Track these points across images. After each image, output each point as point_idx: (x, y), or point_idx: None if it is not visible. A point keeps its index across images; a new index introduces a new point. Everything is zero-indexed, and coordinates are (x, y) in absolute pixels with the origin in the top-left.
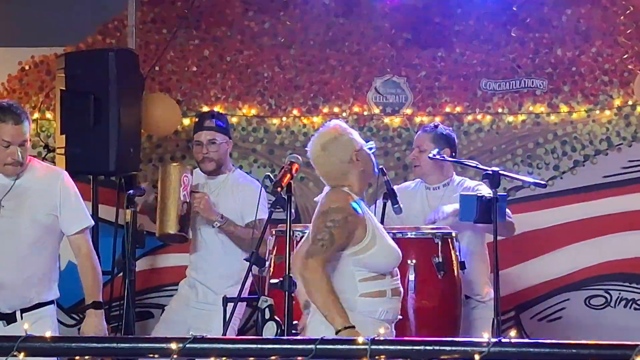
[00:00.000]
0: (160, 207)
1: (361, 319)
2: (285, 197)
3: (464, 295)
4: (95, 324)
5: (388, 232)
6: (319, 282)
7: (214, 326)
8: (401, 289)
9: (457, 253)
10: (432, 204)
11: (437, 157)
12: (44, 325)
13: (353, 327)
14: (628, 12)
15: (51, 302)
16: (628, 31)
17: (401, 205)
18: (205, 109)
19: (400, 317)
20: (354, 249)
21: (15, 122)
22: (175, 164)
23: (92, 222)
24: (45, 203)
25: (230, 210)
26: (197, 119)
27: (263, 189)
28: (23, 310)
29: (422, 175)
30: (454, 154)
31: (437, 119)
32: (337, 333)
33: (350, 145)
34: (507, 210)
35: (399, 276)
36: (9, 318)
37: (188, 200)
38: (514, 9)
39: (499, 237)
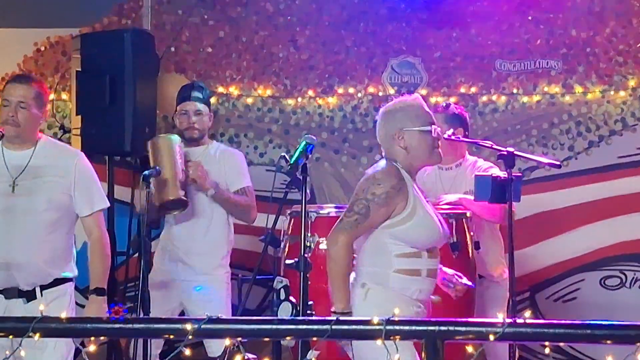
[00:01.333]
0: (158, 179)
1: (393, 295)
2: (301, 178)
3: (477, 275)
4: (96, 310)
5: None
6: (340, 260)
7: (213, 296)
8: (438, 270)
9: (472, 233)
10: (445, 184)
11: (453, 137)
12: (62, 303)
13: (350, 313)
14: None
15: (70, 280)
16: None
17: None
18: (221, 89)
19: (435, 297)
20: (391, 221)
21: (17, 82)
22: (161, 135)
23: (107, 205)
24: (60, 182)
25: (216, 179)
26: (180, 89)
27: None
28: (42, 288)
29: None
30: (466, 133)
31: (452, 100)
32: (332, 314)
33: (399, 122)
34: None
35: (439, 258)
36: (29, 295)
37: (183, 169)
38: None
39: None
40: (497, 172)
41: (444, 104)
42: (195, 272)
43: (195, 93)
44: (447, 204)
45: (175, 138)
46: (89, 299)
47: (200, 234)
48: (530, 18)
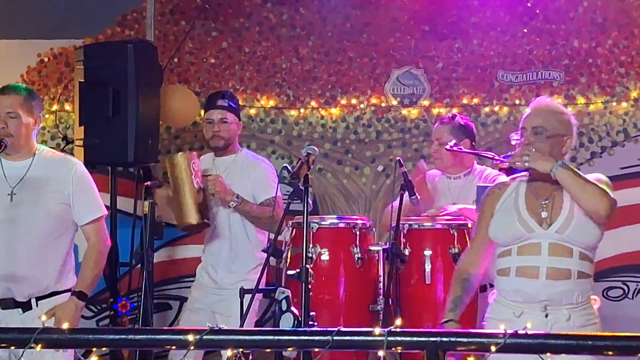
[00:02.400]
0: (176, 199)
1: (500, 299)
2: (303, 189)
3: (487, 284)
4: (70, 310)
5: (403, 223)
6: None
7: (233, 311)
8: (534, 269)
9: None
10: (454, 193)
11: (455, 148)
12: None
13: (452, 321)
14: None
15: (67, 291)
16: None
17: (418, 197)
18: None
19: (544, 301)
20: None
21: (2, 93)
22: (180, 153)
23: (105, 213)
24: (58, 192)
25: (242, 189)
26: (208, 98)
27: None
28: (38, 298)
29: (443, 167)
30: (473, 144)
31: (455, 110)
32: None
33: None
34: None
35: (533, 255)
36: (24, 306)
37: (202, 186)
38: (529, 5)
39: None
40: (504, 179)
41: (450, 115)
42: (220, 286)
43: (220, 101)
44: (447, 214)
45: (192, 155)
46: (68, 298)
47: (224, 248)
48: (531, 29)
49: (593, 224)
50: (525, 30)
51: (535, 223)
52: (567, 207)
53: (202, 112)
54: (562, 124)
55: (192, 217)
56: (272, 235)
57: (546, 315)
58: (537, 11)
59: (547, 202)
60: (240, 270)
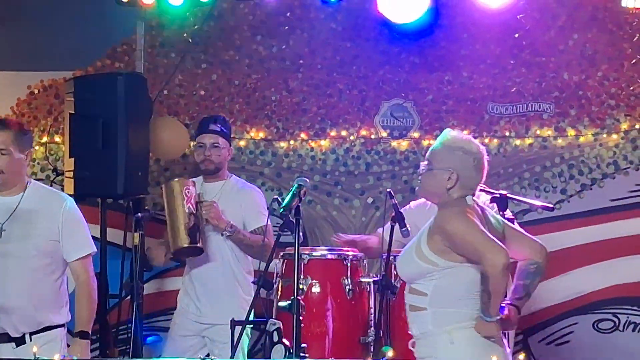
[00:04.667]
0: (169, 225)
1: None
2: (294, 221)
3: None
4: (78, 354)
5: (395, 255)
6: None
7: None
8: (411, 305)
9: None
10: None
11: None
12: (53, 348)
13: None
14: (634, 40)
15: (61, 326)
16: (632, 61)
17: (409, 229)
18: None
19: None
20: None
21: None
22: (176, 179)
23: (94, 250)
24: (48, 229)
25: (233, 216)
26: (199, 122)
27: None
28: (32, 334)
29: None
30: None
31: None
32: None
33: None
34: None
35: (409, 292)
36: (18, 340)
37: (194, 212)
38: (520, 34)
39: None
40: (496, 208)
41: None
42: (213, 313)
43: (213, 125)
44: None
45: (186, 182)
46: (72, 342)
47: (216, 275)
48: (521, 62)
49: (411, 257)
50: (512, 62)
51: None
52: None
53: (191, 141)
54: (449, 159)
55: (183, 241)
56: (262, 266)
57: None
58: (527, 44)
59: None
60: (228, 302)
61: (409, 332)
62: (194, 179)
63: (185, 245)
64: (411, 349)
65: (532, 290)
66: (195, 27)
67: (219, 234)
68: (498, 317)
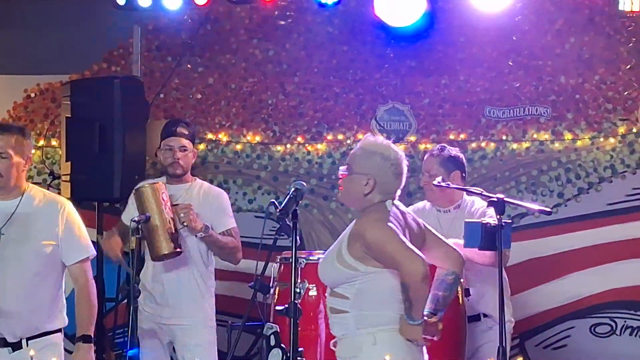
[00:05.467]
0: (148, 231)
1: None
2: (290, 224)
3: (482, 314)
4: (82, 358)
5: None
6: None
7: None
8: (333, 308)
9: (462, 280)
10: (444, 226)
11: (442, 184)
12: (50, 353)
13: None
14: (630, 44)
15: (58, 330)
16: (629, 64)
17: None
18: (210, 136)
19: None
20: None
21: None
22: (147, 184)
23: (94, 253)
24: (46, 232)
25: (202, 219)
26: (166, 125)
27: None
28: (29, 339)
29: (434, 200)
30: (464, 175)
31: None
32: None
33: None
34: None
35: (331, 294)
36: (15, 345)
37: (172, 216)
38: (517, 37)
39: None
40: (493, 212)
41: (439, 147)
42: (182, 314)
43: (180, 128)
44: None
45: (160, 186)
46: (75, 347)
47: (186, 277)
48: (518, 65)
49: (332, 264)
50: (510, 63)
51: None
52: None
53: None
54: (367, 164)
55: (165, 248)
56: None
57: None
58: (524, 47)
59: None
60: (204, 297)
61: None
62: (161, 181)
63: (168, 252)
64: (332, 348)
65: (450, 301)
66: (192, 30)
67: (193, 235)
68: (422, 321)
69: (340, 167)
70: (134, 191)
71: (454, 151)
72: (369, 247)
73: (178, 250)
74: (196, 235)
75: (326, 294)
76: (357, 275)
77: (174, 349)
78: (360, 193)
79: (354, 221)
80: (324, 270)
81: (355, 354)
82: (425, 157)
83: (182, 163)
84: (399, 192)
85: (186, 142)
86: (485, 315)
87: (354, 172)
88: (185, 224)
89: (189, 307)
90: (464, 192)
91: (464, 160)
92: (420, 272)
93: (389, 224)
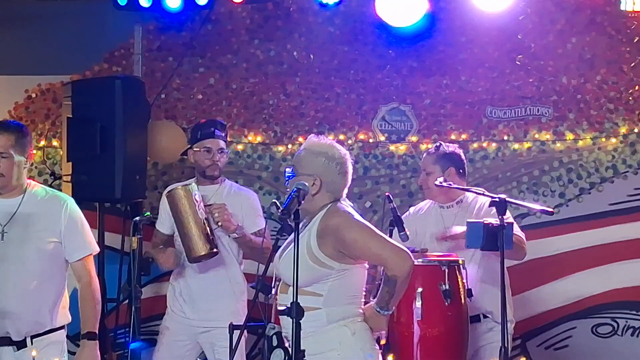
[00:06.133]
0: (183, 233)
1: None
2: (292, 225)
3: (482, 314)
4: (88, 355)
5: None
6: None
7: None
8: (304, 306)
9: (464, 280)
10: (447, 222)
11: (444, 184)
12: (53, 350)
13: None
14: (632, 44)
15: (61, 328)
16: (631, 64)
17: (407, 233)
18: None
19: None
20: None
21: None
22: (180, 186)
23: (97, 250)
24: (49, 230)
25: (235, 219)
26: (201, 126)
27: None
28: (33, 337)
29: (432, 197)
30: (461, 171)
31: None
32: None
33: None
34: (518, 231)
35: (301, 293)
36: (19, 344)
37: (207, 216)
38: (519, 37)
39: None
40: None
41: (435, 146)
42: (213, 316)
43: (218, 131)
44: (453, 236)
45: (193, 187)
46: (80, 344)
47: (219, 277)
48: (520, 64)
49: (307, 264)
50: (518, 62)
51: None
52: (290, 245)
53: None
54: (312, 165)
55: (202, 249)
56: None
57: None
58: (526, 47)
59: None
60: (226, 305)
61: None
62: (192, 183)
63: (205, 252)
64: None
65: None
66: (193, 31)
67: (227, 235)
68: (389, 313)
69: (286, 169)
70: (165, 194)
71: (451, 148)
72: (347, 246)
73: (215, 250)
74: (229, 235)
75: (280, 293)
76: (331, 272)
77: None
78: (308, 194)
79: (317, 219)
80: (299, 271)
81: (333, 347)
82: (423, 156)
83: (220, 165)
84: (346, 190)
85: (223, 144)
86: (485, 316)
87: (300, 174)
88: (219, 223)
89: (220, 309)
90: None
91: (462, 156)
92: (408, 265)
93: (362, 220)
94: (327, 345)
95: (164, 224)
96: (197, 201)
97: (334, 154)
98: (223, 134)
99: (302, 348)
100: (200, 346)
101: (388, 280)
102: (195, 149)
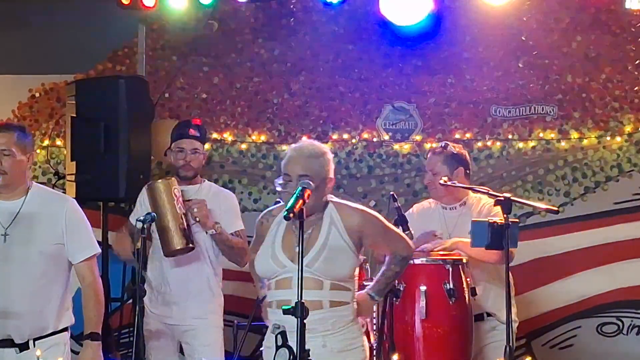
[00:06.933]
0: (161, 227)
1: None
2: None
3: (485, 313)
4: (91, 356)
5: None
6: None
7: (208, 340)
8: (288, 302)
9: (468, 279)
10: (449, 223)
11: (449, 183)
12: (57, 352)
13: None
14: (637, 42)
15: (64, 329)
16: (635, 63)
17: (412, 232)
18: (215, 135)
19: None
20: None
21: None
22: (160, 179)
23: (99, 251)
24: (51, 232)
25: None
26: (177, 126)
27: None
28: (36, 339)
29: (438, 197)
30: (467, 172)
31: None
32: None
33: None
34: None
35: (286, 289)
36: (22, 346)
37: (185, 212)
38: (523, 38)
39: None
40: (498, 211)
41: (442, 145)
42: (190, 315)
43: (192, 131)
44: (443, 249)
45: (173, 182)
46: (83, 345)
47: (196, 275)
48: (524, 64)
49: (344, 257)
50: (520, 65)
51: (287, 258)
52: (320, 241)
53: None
54: (323, 168)
55: (178, 243)
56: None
57: None
58: (531, 46)
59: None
60: (204, 304)
61: (323, 329)
62: (172, 178)
63: (181, 247)
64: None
65: None
66: (197, 30)
67: (204, 232)
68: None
69: (302, 183)
70: (146, 187)
71: (457, 148)
72: (369, 235)
73: (191, 245)
74: (207, 232)
75: (324, 290)
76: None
77: (181, 348)
78: (325, 196)
79: (331, 215)
80: (331, 264)
81: (359, 343)
82: (428, 155)
83: (193, 165)
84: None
85: (198, 144)
86: (488, 315)
87: (318, 181)
88: (198, 219)
89: (197, 307)
90: (470, 190)
91: (468, 157)
92: (412, 245)
93: (367, 209)
94: (355, 342)
95: (137, 217)
96: (176, 196)
97: (328, 151)
98: (198, 135)
99: (330, 345)
100: (180, 344)
101: (402, 259)
102: (172, 149)
